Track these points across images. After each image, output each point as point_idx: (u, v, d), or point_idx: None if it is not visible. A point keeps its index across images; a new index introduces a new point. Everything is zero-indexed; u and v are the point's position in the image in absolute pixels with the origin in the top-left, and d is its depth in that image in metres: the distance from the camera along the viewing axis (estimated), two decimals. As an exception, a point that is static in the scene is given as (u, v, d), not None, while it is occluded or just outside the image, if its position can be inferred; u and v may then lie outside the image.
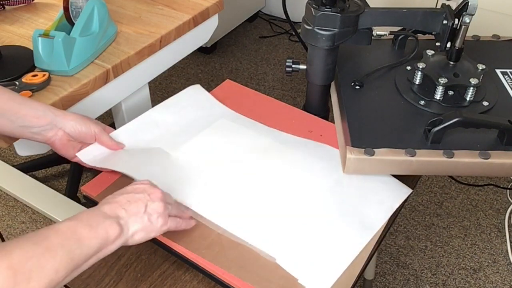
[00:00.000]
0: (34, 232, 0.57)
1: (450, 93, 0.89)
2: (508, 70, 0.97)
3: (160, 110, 0.95)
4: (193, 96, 1.00)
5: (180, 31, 1.14)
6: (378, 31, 0.96)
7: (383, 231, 0.78)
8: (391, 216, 0.80)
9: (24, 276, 0.53)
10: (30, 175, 1.53)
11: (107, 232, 0.62)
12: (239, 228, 0.75)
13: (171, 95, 0.99)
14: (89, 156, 0.84)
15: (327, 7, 0.84)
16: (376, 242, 0.76)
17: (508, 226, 1.73)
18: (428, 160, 0.79)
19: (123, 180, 0.82)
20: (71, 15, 0.99)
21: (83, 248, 0.59)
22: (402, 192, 0.84)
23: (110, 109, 1.16)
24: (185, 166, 0.85)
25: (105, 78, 1.00)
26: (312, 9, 0.85)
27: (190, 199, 0.79)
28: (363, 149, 0.80)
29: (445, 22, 0.86)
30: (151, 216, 0.67)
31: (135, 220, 0.66)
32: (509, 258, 1.63)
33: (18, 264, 0.53)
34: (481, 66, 0.88)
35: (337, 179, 0.84)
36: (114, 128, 1.34)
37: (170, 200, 0.73)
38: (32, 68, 0.97)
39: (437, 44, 0.89)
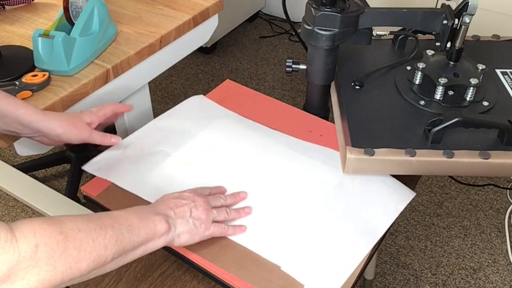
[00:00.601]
0: (86, 213, 0.60)
1: (450, 93, 0.89)
2: (508, 70, 0.97)
3: (163, 118, 0.95)
4: (197, 104, 0.99)
5: (180, 31, 1.14)
6: (378, 31, 0.96)
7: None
8: (393, 220, 0.80)
9: (75, 243, 0.54)
10: (30, 175, 1.53)
11: (155, 225, 0.66)
12: (242, 235, 0.75)
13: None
14: (94, 166, 0.85)
15: (327, 7, 0.84)
16: (376, 242, 0.76)
17: (508, 226, 1.73)
18: (428, 160, 0.79)
19: (123, 180, 0.83)
20: (71, 15, 0.99)
21: (132, 234, 0.62)
22: (406, 195, 0.84)
23: (110, 109, 1.16)
24: (186, 172, 0.84)
25: (105, 78, 1.00)
26: (312, 9, 0.85)
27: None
28: (363, 149, 0.80)
29: (445, 22, 0.86)
30: (196, 221, 0.71)
31: (181, 223, 0.70)
32: (509, 258, 1.63)
33: (71, 231, 0.55)
34: (481, 66, 0.88)
35: (341, 184, 0.83)
36: (114, 128, 1.34)
37: (217, 203, 0.76)
38: (32, 68, 0.97)
39: (437, 44, 0.89)
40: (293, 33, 2.25)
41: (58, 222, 0.55)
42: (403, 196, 0.83)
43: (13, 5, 1.16)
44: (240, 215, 0.78)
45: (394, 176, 0.85)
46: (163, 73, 1.42)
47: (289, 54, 2.47)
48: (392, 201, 0.82)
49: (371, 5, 0.88)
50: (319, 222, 0.77)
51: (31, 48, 0.98)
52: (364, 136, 0.82)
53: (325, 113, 1.00)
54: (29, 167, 1.85)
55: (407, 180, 0.86)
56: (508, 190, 1.84)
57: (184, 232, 0.70)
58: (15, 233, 0.50)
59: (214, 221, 0.73)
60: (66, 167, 1.91)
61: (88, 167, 0.84)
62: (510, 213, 1.75)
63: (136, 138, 0.91)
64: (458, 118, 0.78)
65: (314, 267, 0.72)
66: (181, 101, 1.00)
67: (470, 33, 0.92)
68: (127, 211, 0.65)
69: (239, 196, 0.80)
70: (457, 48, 0.87)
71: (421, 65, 0.88)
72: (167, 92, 2.23)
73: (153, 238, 0.66)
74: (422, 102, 0.88)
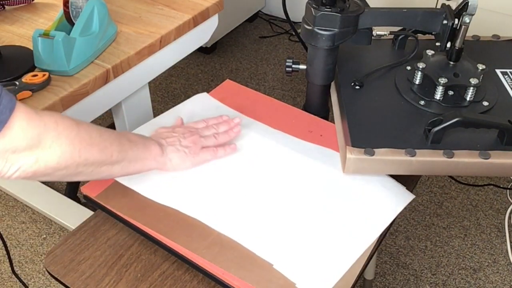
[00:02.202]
0: None
1: (450, 93, 0.89)
2: (508, 70, 0.97)
3: (166, 116, 0.95)
4: (200, 102, 0.99)
5: (180, 31, 1.14)
6: (378, 31, 0.96)
7: (383, 231, 0.78)
8: (390, 222, 0.80)
9: (86, 131, 0.66)
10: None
11: (150, 146, 0.78)
12: (236, 232, 0.75)
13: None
14: None
15: (327, 7, 0.84)
16: (376, 242, 0.76)
17: (508, 226, 1.72)
18: (428, 160, 0.79)
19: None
20: (71, 15, 0.99)
21: (131, 145, 0.74)
22: (404, 197, 0.83)
23: (110, 109, 1.16)
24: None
25: (105, 78, 1.00)
26: (312, 9, 0.85)
27: (187, 204, 0.79)
28: (363, 149, 0.80)
29: (445, 22, 0.86)
30: (185, 148, 0.82)
31: (172, 149, 0.81)
32: (509, 258, 1.63)
33: (82, 123, 0.66)
34: (481, 66, 0.88)
35: (339, 184, 0.83)
36: (114, 128, 1.34)
37: (207, 132, 0.86)
38: (32, 68, 0.97)
39: (437, 44, 0.89)
40: (293, 33, 2.25)
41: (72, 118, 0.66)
42: (401, 198, 0.83)
43: (13, 5, 1.16)
44: (230, 136, 0.87)
45: (394, 176, 0.85)
46: (163, 73, 1.41)
47: (289, 54, 2.47)
48: (390, 203, 0.82)
49: (371, 5, 0.88)
50: (316, 221, 0.78)
51: (31, 48, 0.98)
52: (364, 136, 0.82)
53: (325, 113, 1.00)
54: (29, 167, 1.85)
55: (407, 180, 0.86)
56: (508, 190, 1.84)
57: (174, 157, 0.81)
58: (38, 112, 0.60)
59: (204, 147, 0.84)
60: (66, 167, 1.91)
61: None
62: (510, 213, 1.75)
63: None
64: (458, 118, 0.78)
65: (306, 266, 0.72)
66: (181, 101, 1.00)
67: (470, 33, 0.92)
68: (127, 132, 0.77)
69: (232, 121, 0.90)
70: (457, 48, 0.87)
71: (421, 65, 0.88)
72: (167, 92, 2.23)
73: (149, 157, 0.77)
74: (422, 102, 0.88)
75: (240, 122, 0.90)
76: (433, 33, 0.90)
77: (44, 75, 0.94)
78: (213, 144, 0.85)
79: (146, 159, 0.77)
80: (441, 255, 1.64)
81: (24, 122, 0.57)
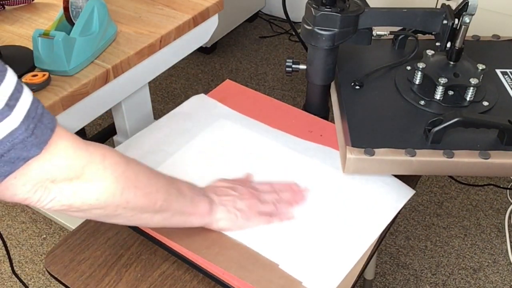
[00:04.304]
0: None
1: (450, 93, 0.89)
2: (508, 70, 0.97)
3: (164, 120, 0.95)
4: (197, 104, 0.99)
5: (180, 31, 1.14)
6: (378, 31, 0.96)
7: (383, 231, 0.78)
8: (392, 218, 0.80)
9: (134, 170, 0.62)
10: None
11: (199, 203, 0.71)
12: (241, 234, 0.75)
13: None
14: None
15: (327, 7, 0.84)
16: (376, 242, 0.76)
17: (508, 226, 1.73)
18: (428, 160, 0.79)
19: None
20: (71, 15, 0.99)
21: (179, 197, 0.68)
22: (405, 193, 0.84)
23: (110, 109, 1.16)
24: (187, 172, 0.84)
25: (105, 78, 1.00)
26: (312, 9, 0.85)
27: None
28: (363, 149, 0.80)
29: (445, 22, 0.86)
30: (237, 211, 0.75)
31: (222, 210, 0.74)
32: (509, 258, 1.63)
33: (132, 162, 0.62)
34: (481, 66, 0.88)
35: (339, 182, 0.83)
36: (114, 128, 1.35)
37: (267, 197, 0.78)
38: (32, 68, 0.97)
39: (437, 44, 0.89)
40: (293, 33, 2.25)
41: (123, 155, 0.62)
42: (402, 194, 0.83)
43: (13, 5, 1.16)
44: (291, 205, 0.79)
45: (394, 176, 0.85)
46: (163, 73, 1.42)
47: (289, 54, 2.47)
48: (391, 199, 0.82)
49: (371, 5, 0.88)
50: (318, 220, 0.78)
51: (31, 48, 0.98)
52: (364, 136, 0.82)
53: (325, 113, 1.00)
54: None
55: (407, 180, 0.86)
56: (508, 190, 1.84)
57: (223, 218, 0.74)
58: (85, 142, 0.56)
59: (260, 213, 0.76)
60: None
61: None
62: (510, 213, 1.75)
63: (138, 139, 0.91)
64: (458, 118, 0.78)
65: (312, 264, 0.72)
66: (181, 101, 1.00)
67: (470, 33, 0.92)
68: (180, 180, 0.71)
69: (297, 190, 0.81)
70: (457, 48, 0.87)
71: (421, 65, 0.88)
72: (167, 92, 2.23)
73: (195, 213, 0.71)
74: (422, 102, 0.88)
75: (306, 190, 0.82)
76: (433, 33, 0.90)
77: (44, 75, 0.94)
78: (270, 211, 0.77)
79: (191, 215, 0.71)
80: (441, 255, 1.64)
81: (70, 150, 0.53)
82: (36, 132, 0.49)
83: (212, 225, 0.74)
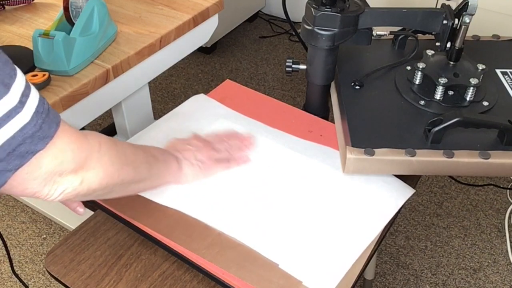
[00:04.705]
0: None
1: (450, 93, 0.89)
2: (508, 70, 0.97)
3: (164, 120, 0.95)
4: (197, 104, 0.99)
5: (180, 31, 1.14)
6: (378, 31, 0.96)
7: (383, 231, 0.78)
8: (392, 216, 0.80)
9: (123, 151, 0.66)
10: (30, 175, 1.52)
11: (170, 162, 0.78)
12: (240, 233, 0.75)
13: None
14: None
15: (327, 7, 0.84)
16: (376, 242, 0.76)
17: (508, 226, 1.72)
18: (428, 160, 0.79)
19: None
20: (71, 15, 0.99)
21: (156, 162, 0.74)
22: (405, 192, 0.84)
23: (110, 109, 1.16)
24: None
25: (105, 78, 1.00)
26: (312, 9, 0.85)
27: (190, 205, 0.79)
28: (363, 149, 0.80)
29: (445, 22, 0.86)
30: (199, 162, 0.81)
31: (187, 164, 0.80)
32: (509, 258, 1.63)
33: (120, 143, 0.67)
34: (481, 66, 0.88)
35: (339, 181, 0.83)
36: (114, 128, 1.34)
37: (220, 146, 0.85)
38: (32, 68, 0.97)
39: (437, 44, 0.89)
40: (293, 33, 2.25)
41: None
42: (402, 193, 0.83)
43: (13, 5, 1.16)
44: (242, 150, 0.87)
45: (394, 176, 0.85)
46: (163, 73, 1.41)
47: (289, 54, 2.47)
48: (391, 197, 0.82)
49: (371, 5, 0.88)
50: (317, 219, 0.78)
51: (31, 48, 0.98)
52: (364, 136, 0.82)
53: (325, 113, 1.00)
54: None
55: (407, 180, 0.86)
56: (508, 190, 1.84)
57: (189, 171, 0.80)
58: (83, 133, 0.59)
59: (217, 160, 0.83)
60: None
61: None
62: (510, 213, 1.75)
63: (137, 139, 0.91)
64: (458, 118, 0.78)
65: (312, 264, 0.72)
66: (181, 101, 1.00)
67: (470, 33, 0.92)
68: (150, 147, 0.77)
69: (243, 137, 0.89)
70: (457, 48, 0.87)
71: (421, 65, 0.88)
72: (167, 92, 2.23)
73: (168, 173, 0.78)
74: (422, 102, 0.88)
75: (251, 137, 0.89)
76: (433, 33, 0.90)
77: (44, 75, 0.94)
78: (226, 158, 0.85)
79: (166, 175, 0.78)
80: (441, 255, 1.64)
81: (74, 144, 0.56)
82: (44, 127, 0.52)
83: (181, 179, 0.80)
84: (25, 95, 0.50)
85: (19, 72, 0.51)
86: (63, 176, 0.56)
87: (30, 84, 0.52)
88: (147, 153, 0.73)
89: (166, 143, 0.84)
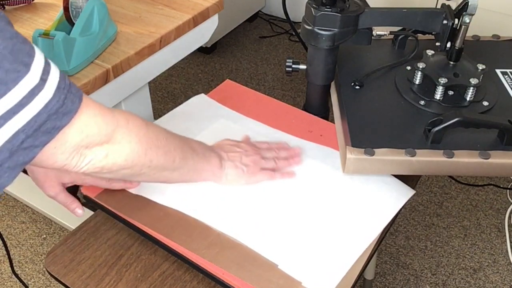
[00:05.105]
0: None
1: (450, 93, 0.89)
2: (508, 70, 0.97)
3: (164, 120, 0.95)
4: (198, 104, 0.99)
5: (180, 31, 1.14)
6: (378, 31, 0.96)
7: (383, 231, 0.78)
8: (392, 217, 0.80)
9: (154, 132, 0.67)
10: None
11: (210, 159, 0.78)
12: (240, 233, 0.75)
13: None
14: None
15: (327, 7, 0.84)
16: (376, 242, 0.76)
17: (508, 226, 1.73)
18: (428, 160, 0.79)
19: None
20: (71, 15, 0.99)
21: (193, 155, 0.74)
22: (405, 193, 0.84)
23: (110, 109, 1.16)
24: None
25: (105, 78, 1.00)
26: (312, 9, 0.85)
27: (190, 205, 0.79)
28: (363, 149, 0.80)
29: (445, 22, 0.86)
30: (244, 166, 0.81)
31: (230, 165, 0.80)
32: (509, 258, 1.63)
33: (151, 125, 0.68)
34: (481, 66, 0.88)
35: (339, 181, 0.83)
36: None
37: (268, 154, 0.84)
38: (32, 68, 0.97)
39: (437, 44, 0.89)
40: (293, 33, 2.25)
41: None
42: (402, 193, 0.83)
43: (13, 5, 1.16)
44: (290, 164, 0.85)
45: (394, 176, 0.85)
46: (163, 73, 1.41)
47: (289, 54, 2.47)
48: (391, 198, 0.82)
49: (371, 5, 0.88)
50: (317, 219, 0.78)
51: (31, 48, 0.97)
52: (364, 136, 0.82)
53: (325, 113, 1.00)
54: (29, 167, 1.85)
55: (407, 180, 0.86)
56: (508, 190, 1.84)
57: (232, 173, 0.80)
58: (109, 108, 0.60)
59: (263, 169, 0.82)
60: (66, 167, 1.91)
61: None
62: (510, 213, 1.75)
63: None
64: (458, 118, 0.78)
65: (312, 264, 0.72)
66: (181, 101, 1.00)
67: (470, 33, 0.92)
68: (191, 139, 0.77)
69: (292, 150, 0.88)
70: (457, 48, 0.87)
71: (421, 65, 0.88)
72: (167, 92, 2.23)
73: (207, 169, 0.78)
74: (422, 102, 0.88)
75: (300, 153, 0.88)
76: (433, 33, 0.90)
77: (44, 75, 0.93)
78: (271, 167, 0.84)
79: (204, 170, 0.77)
80: (441, 255, 1.64)
81: (99, 117, 0.58)
82: (67, 102, 0.53)
83: (221, 179, 0.80)
84: (46, 72, 0.51)
85: (37, 50, 0.51)
86: (90, 149, 0.58)
87: (50, 61, 0.52)
88: (184, 143, 0.74)
89: (216, 143, 0.84)
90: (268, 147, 0.87)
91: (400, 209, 0.82)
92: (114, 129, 0.60)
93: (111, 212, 0.80)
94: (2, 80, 0.47)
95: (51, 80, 0.51)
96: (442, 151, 0.80)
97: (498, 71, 0.96)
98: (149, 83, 1.18)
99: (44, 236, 1.69)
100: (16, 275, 1.26)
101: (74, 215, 0.78)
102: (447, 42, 0.87)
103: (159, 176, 0.71)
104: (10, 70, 0.47)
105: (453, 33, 0.86)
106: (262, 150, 0.85)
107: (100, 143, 0.59)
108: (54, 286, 1.55)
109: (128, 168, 0.64)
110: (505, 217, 1.75)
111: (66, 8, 0.98)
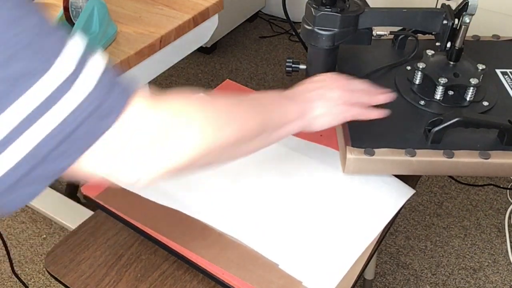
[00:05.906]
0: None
1: (450, 93, 0.89)
2: (508, 70, 0.97)
3: None
4: None
5: (180, 31, 1.14)
6: (378, 31, 0.96)
7: (383, 231, 0.78)
8: (392, 216, 0.80)
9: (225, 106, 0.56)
10: (30, 175, 1.52)
11: (287, 107, 0.65)
12: (240, 233, 0.75)
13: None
14: None
15: (327, 7, 0.84)
16: (376, 242, 0.76)
17: (508, 226, 1.72)
18: (428, 160, 0.79)
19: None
20: (71, 15, 0.99)
21: (267, 111, 0.62)
22: (405, 192, 0.84)
23: (110, 109, 1.16)
24: None
25: (105, 78, 1.00)
26: (312, 9, 0.85)
27: (190, 204, 0.79)
28: (363, 149, 0.80)
29: (445, 22, 0.86)
30: (331, 103, 0.70)
31: (317, 106, 0.68)
32: (509, 258, 1.63)
33: (218, 98, 0.57)
34: (481, 66, 0.88)
35: (339, 181, 0.83)
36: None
37: (356, 86, 0.74)
38: (32, 68, 0.97)
39: (437, 44, 0.89)
40: (293, 33, 2.25)
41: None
42: (402, 193, 0.83)
43: (13, 5, 1.16)
44: (379, 100, 0.76)
45: (394, 176, 0.85)
46: (163, 73, 1.41)
47: (289, 54, 2.47)
48: (391, 197, 0.82)
49: (371, 5, 0.88)
50: (317, 219, 0.78)
51: (31, 48, 0.97)
52: (364, 136, 0.82)
53: (325, 113, 0.99)
54: (29, 167, 1.85)
55: (407, 180, 0.86)
56: (508, 190, 1.84)
57: (321, 115, 0.69)
58: (162, 97, 0.51)
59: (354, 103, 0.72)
60: (66, 167, 1.91)
61: None
62: (510, 213, 1.75)
63: None
64: (458, 118, 0.78)
65: (312, 264, 0.72)
66: (181, 101, 1.00)
67: (470, 33, 0.92)
68: (260, 93, 0.65)
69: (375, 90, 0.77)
70: (457, 48, 0.87)
71: (421, 65, 0.88)
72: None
73: (289, 122, 0.65)
74: (422, 102, 0.88)
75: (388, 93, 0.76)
76: (433, 33, 0.90)
77: (44, 75, 0.93)
78: (366, 102, 0.74)
79: (286, 124, 0.65)
80: (441, 255, 1.64)
81: (150, 111, 0.47)
82: (109, 100, 0.44)
83: (311, 126, 0.69)
84: (81, 63, 0.43)
85: (76, 37, 0.44)
86: (143, 151, 0.46)
87: (93, 51, 0.45)
88: (254, 105, 0.61)
89: (291, 89, 0.72)
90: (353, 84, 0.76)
91: (400, 209, 0.82)
92: (173, 125, 0.49)
93: (111, 212, 0.80)
94: (26, 73, 0.39)
95: (87, 74, 0.43)
96: (442, 151, 0.79)
97: (498, 71, 0.96)
98: (149, 83, 1.18)
99: (44, 236, 1.68)
100: (16, 275, 1.26)
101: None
102: (447, 42, 0.87)
103: (239, 152, 0.60)
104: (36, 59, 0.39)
105: (453, 33, 0.86)
106: (348, 81, 0.75)
107: (153, 143, 0.47)
108: (54, 286, 1.55)
109: (204, 157, 0.52)
110: (505, 217, 1.75)
111: (66, 8, 0.98)
